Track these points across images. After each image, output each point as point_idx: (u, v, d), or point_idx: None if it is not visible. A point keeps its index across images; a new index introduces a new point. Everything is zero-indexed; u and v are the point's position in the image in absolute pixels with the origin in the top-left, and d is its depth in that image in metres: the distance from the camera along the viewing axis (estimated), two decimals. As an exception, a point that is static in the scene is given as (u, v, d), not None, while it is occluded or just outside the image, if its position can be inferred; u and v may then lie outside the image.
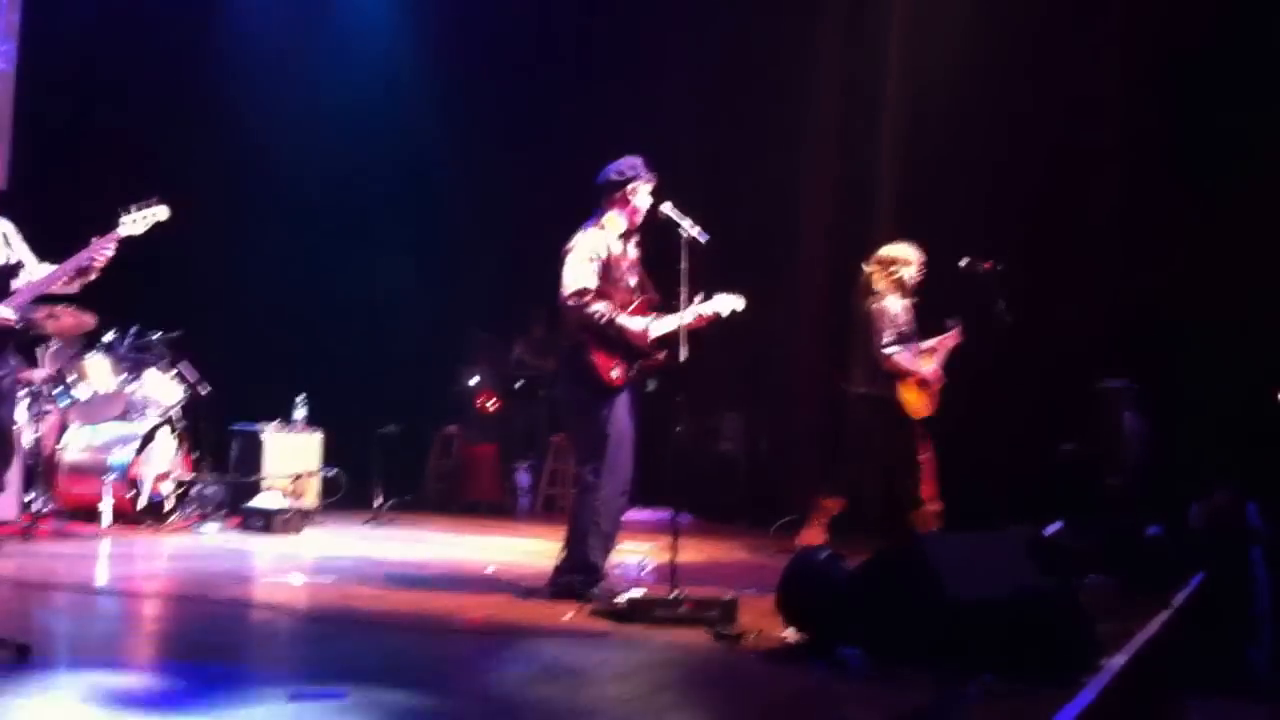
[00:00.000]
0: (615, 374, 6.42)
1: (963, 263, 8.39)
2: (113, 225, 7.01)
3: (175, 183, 10.26)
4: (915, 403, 8.30)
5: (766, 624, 5.60)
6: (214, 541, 8.49)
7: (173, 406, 9.20)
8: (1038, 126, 10.42)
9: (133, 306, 9.13)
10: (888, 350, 8.18)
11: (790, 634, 5.45)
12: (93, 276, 7.04)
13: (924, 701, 4.59)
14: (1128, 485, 8.92)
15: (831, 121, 11.64)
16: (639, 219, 6.66)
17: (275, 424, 9.91)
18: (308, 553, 8.16)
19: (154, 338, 9.11)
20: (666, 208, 6.51)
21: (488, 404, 12.19)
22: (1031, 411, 9.50)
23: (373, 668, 4.79)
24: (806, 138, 11.74)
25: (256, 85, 11.19)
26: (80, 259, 6.94)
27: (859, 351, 8.38)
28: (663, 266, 6.60)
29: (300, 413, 10.05)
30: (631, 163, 6.64)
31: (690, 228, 6.43)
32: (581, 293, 6.43)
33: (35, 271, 7.02)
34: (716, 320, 6.64)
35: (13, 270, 7.00)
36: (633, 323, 6.50)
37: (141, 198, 6.58)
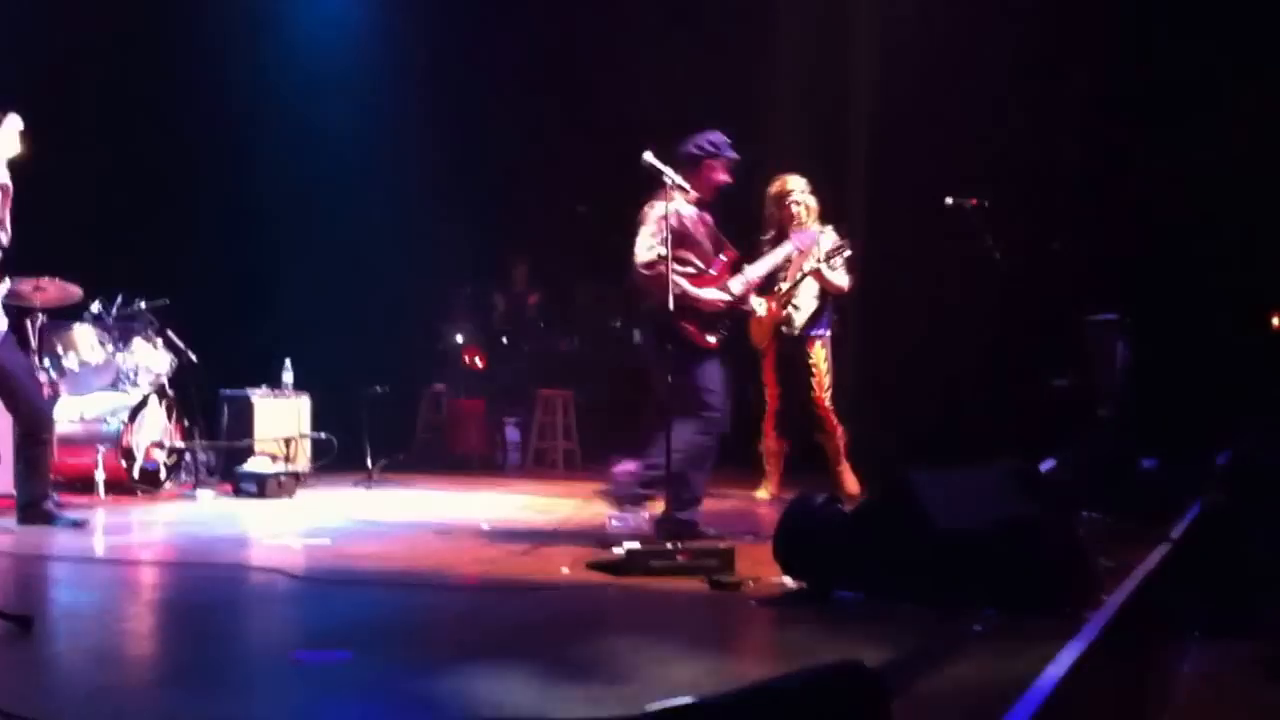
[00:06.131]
0: (710, 339, 6.76)
1: (948, 201, 8.38)
2: None
3: (153, 147, 10.37)
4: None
5: (764, 571, 5.62)
6: (208, 507, 8.49)
7: (162, 374, 9.17)
8: (1019, 59, 10.41)
9: (115, 276, 9.09)
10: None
11: (788, 580, 5.47)
12: None
13: (926, 638, 4.59)
14: (1120, 417, 8.94)
15: (804, 51, 11.59)
16: (710, 192, 6.88)
17: (264, 389, 9.90)
18: (302, 515, 8.16)
19: (140, 306, 9.06)
20: (647, 157, 6.54)
21: (475, 359, 12.18)
22: (1022, 347, 9.52)
23: (374, 626, 4.80)
24: (777, 74, 11.72)
25: (231, 47, 11.08)
26: None
27: None
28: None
29: (288, 377, 10.03)
30: (714, 139, 6.85)
31: (673, 175, 6.47)
32: (650, 264, 6.65)
33: None
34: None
35: None
36: (703, 292, 6.75)
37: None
